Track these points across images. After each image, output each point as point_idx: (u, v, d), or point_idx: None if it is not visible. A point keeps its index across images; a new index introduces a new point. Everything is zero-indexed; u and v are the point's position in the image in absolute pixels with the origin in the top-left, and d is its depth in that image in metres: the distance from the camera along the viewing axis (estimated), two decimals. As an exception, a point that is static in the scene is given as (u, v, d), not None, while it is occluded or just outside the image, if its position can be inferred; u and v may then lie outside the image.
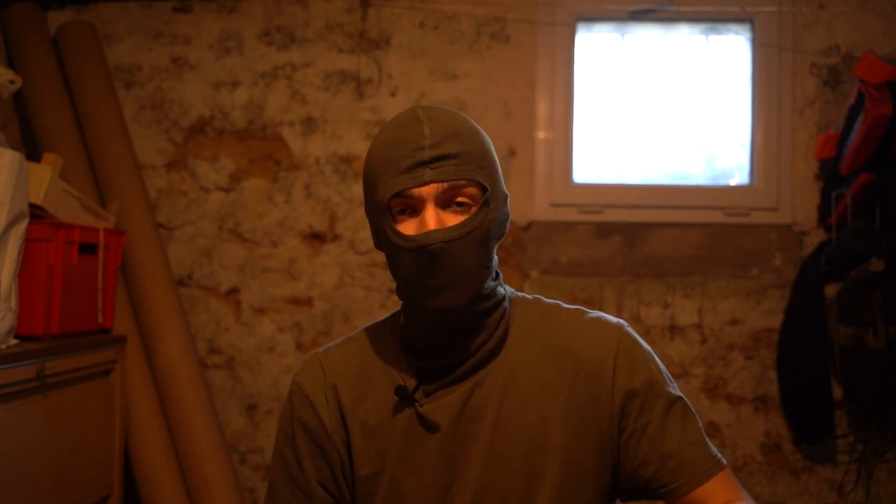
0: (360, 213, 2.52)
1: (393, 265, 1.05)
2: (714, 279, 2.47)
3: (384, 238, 1.03)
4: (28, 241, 1.73)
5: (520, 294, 1.15)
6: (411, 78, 2.54)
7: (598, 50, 2.58)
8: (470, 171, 1.01)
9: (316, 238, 2.54)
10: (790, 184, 2.46)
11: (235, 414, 2.53)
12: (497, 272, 1.09)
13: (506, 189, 1.08)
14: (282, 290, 2.54)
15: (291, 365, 2.52)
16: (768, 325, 2.45)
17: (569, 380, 1.06)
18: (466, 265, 1.01)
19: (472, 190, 1.01)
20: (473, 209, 1.01)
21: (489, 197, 1.02)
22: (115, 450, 2.06)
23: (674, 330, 2.46)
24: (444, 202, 1.01)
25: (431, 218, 0.99)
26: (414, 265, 1.00)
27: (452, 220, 1.01)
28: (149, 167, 2.56)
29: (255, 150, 2.56)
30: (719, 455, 1.06)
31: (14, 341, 1.68)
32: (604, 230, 2.49)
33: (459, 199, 1.01)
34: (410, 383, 1.08)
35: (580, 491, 1.05)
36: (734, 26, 2.55)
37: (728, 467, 1.06)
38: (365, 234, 2.52)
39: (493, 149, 1.07)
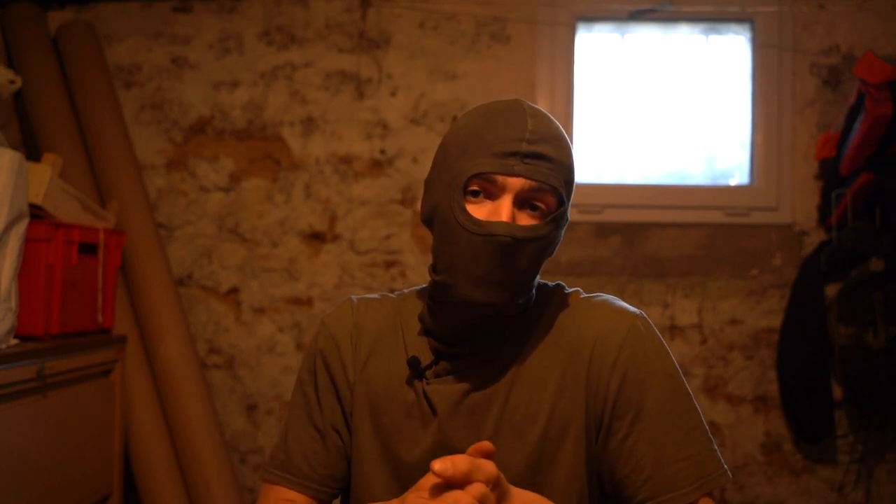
0: (361, 212, 2.53)
1: (444, 243, 1.01)
2: (714, 279, 2.47)
3: (447, 214, 1.00)
4: (28, 241, 1.73)
5: (541, 282, 1.12)
6: (411, 78, 2.54)
7: (598, 50, 2.58)
8: (557, 179, 0.99)
9: (316, 238, 2.54)
10: (790, 184, 2.46)
11: (235, 414, 2.53)
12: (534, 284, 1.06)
13: (569, 215, 1.06)
14: (282, 290, 2.54)
15: (291, 365, 2.52)
16: (768, 325, 2.45)
17: (575, 368, 1.04)
18: (520, 269, 0.99)
19: (551, 199, 0.99)
20: (546, 219, 1.00)
21: (561, 213, 1.01)
22: (114, 450, 2.06)
23: (674, 330, 2.46)
24: (521, 201, 0.99)
25: (506, 210, 0.97)
26: (471, 250, 0.97)
27: (524, 220, 0.99)
28: (149, 167, 2.56)
29: (255, 150, 2.56)
30: (724, 470, 1.00)
31: (14, 341, 1.68)
32: (604, 230, 2.49)
33: (536, 202, 0.99)
34: (427, 358, 1.07)
35: (585, 484, 1.04)
36: (734, 26, 2.55)
37: (711, 495, 1.00)
38: (365, 234, 2.52)
39: (575, 172, 1.05)
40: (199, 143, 2.57)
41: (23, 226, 1.66)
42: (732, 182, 2.55)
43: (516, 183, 0.97)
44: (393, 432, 1.07)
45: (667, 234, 2.48)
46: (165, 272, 2.35)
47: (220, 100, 2.57)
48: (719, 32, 2.56)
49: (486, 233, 0.96)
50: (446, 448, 1.04)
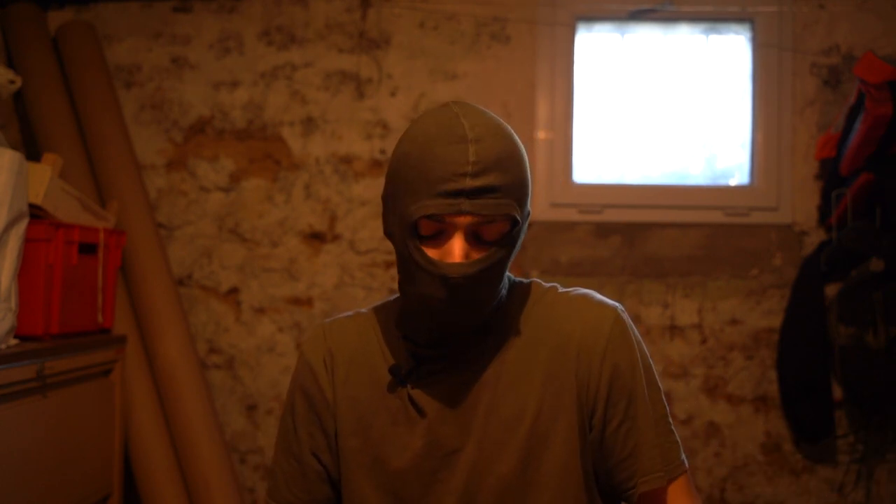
0: (361, 212, 2.53)
1: (405, 273, 1.04)
2: (714, 279, 2.47)
3: (403, 250, 1.01)
4: (28, 241, 1.73)
5: (517, 279, 1.15)
6: (411, 78, 2.54)
7: (598, 50, 2.58)
8: (507, 206, 0.97)
9: (316, 238, 2.54)
10: (790, 184, 2.46)
11: (235, 414, 2.53)
12: (504, 279, 1.08)
13: (529, 207, 1.06)
14: (282, 290, 2.54)
15: (291, 365, 2.51)
16: (768, 325, 2.45)
17: (561, 362, 1.06)
18: (482, 296, 1.02)
19: (504, 224, 0.99)
20: (500, 243, 1.00)
21: (517, 231, 1.01)
22: (114, 450, 2.06)
23: (674, 330, 2.46)
24: (473, 232, 0.99)
25: (458, 250, 0.97)
26: (430, 289, 0.99)
27: (476, 253, 0.99)
28: (149, 167, 2.56)
29: (255, 150, 2.56)
30: (683, 460, 1.07)
31: (14, 341, 1.68)
32: (604, 230, 2.49)
33: (489, 230, 0.99)
34: (408, 364, 1.08)
35: (576, 475, 1.05)
36: (734, 26, 2.55)
37: (687, 474, 1.07)
38: (365, 234, 2.52)
39: (528, 168, 1.03)
40: (199, 143, 2.57)
41: (23, 226, 1.66)
42: (732, 182, 2.55)
43: (464, 221, 0.97)
44: (381, 442, 1.08)
45: (667, 234, 2.48)
46: (165, 272, 2.35)
47: (220, 100, 2.57)
48: (719, 32, 2.56)
49: (440, 273, 0.97)
50: (437, 449, 1.06)
